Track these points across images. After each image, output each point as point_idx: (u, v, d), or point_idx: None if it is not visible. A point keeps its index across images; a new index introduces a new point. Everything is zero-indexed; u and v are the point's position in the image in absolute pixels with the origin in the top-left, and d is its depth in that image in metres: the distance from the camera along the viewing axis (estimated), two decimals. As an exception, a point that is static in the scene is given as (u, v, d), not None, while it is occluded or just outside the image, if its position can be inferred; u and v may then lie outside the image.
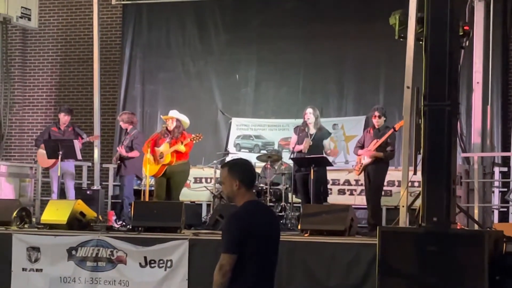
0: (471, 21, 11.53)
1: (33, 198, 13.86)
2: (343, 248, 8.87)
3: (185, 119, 11.37)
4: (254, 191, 5.25)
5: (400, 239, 7.78)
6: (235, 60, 14.87)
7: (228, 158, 12.79)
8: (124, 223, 11.08)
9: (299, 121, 11.58)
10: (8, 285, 9.93)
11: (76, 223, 10.28)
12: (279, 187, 11.99)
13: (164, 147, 11.05)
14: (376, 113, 10.90)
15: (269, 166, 12.17)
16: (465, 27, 8.63)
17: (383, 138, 10.63)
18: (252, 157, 13.15)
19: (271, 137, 14.17)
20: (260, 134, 14.32)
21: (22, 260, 9.94)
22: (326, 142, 11.31)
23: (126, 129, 11.98)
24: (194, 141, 11.04)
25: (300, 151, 11.22)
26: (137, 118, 12.87)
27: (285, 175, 11.91)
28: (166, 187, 11.16)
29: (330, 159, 11.43)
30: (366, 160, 10.75)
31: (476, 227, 9.41)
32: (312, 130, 11.21)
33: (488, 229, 9.56)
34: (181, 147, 10.98)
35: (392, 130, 10.70)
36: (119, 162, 11.74)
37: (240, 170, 5.10)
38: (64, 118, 12.41)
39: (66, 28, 16.15)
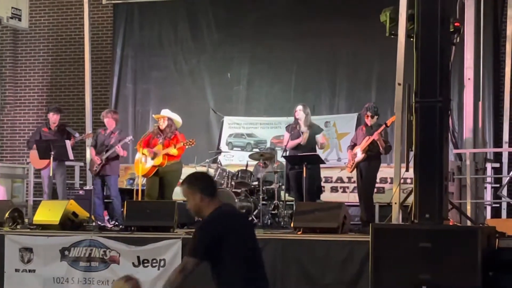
0: (462, 18, 11.51)
1: (25, 199, 13.83)
2: (336, 245, 8.87)
3: (177, 118, 11.35)
4: (218, 197, 5.30)
5: (393, 236, 7.78)
6: (227, 58, 14.86)
7: (220, 157, 12.78)
8: (116, 223, 11.06)
9: (292, 119, 11.58)
10: (1, 286, 9.91)
11: (69, 223, 10.26)
12: (271, 185, 11.97)
13: (157, 149, 11.02)
14: (368, 113, 10.92)
15: (261, 164, 12.17)
16: (455, 24, 8.64)
17: (377, 133, 10.64)
18: (244, 156, 13.16)
19: (263, 136, 14.17)
20: (253, 132, 14.31)
21: (15, 261, 9.92)
22: (318, 137, 11.31)
23: (106, 128, 11.87)
24: (187, 146, 11.02)
25: (294, 148, 11.23)
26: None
27: (278, 173, 11.90)
28: (159, 186, 11.15)
29: (323, 155, 11.42)
30: (358, 157, 10.76)
31: (468, 223, 9.41)
32: (303, 128, 11.21)
33: (480, 225, 9.56)
34: (174, 151, 10.95)
35: (384, 126, 10.72)
36: (104, 163, 11.63)
37: (198, 183, 5.21)
38: (53, 118, 12.33)
39: (57, 28, 16.13)
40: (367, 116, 10.95)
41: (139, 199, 11.23)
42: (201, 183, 5.20)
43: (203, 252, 5.02)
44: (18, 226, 10.47)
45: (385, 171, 11.82)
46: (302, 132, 11.19)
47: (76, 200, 10.92)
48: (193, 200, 5.16)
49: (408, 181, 10.71)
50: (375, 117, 10.94)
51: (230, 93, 14.87)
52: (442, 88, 7.83)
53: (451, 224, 8.30)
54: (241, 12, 14.80)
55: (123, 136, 11.64)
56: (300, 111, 11.26)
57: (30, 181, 13.65)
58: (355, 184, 11.39)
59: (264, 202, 11.73)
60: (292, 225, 9.62)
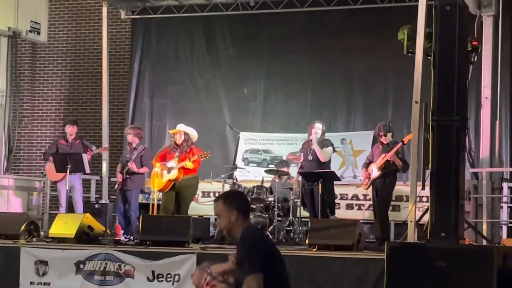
0: (480, 36, 11.52)
1: (41, 212, 13.87)
2: (351, 263, 8.85)
3: (192, 132, 11.37)
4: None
5: (408, 254, 7.76)
6: (243, 73, 14.88)
7: (236, 172, 12.78)
8: (132, 237, 11.07)
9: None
10: (16, 298, 9.95)
11: (84, 236, 10.29)
12: (287, 201, 11.95)
13: (172, 163, 11.04)
14: (381, 133, 10.93)
15: (277, 179, 12.17)
16: (473, 42, 8.63)
17: (392, 152, 10.63)
18: (260, 171, 13.16)
19: (279, 152, 14.15)
20: (268, 148, 14.31)
21: (30, 274, 9.94)
22: (326, 150, 11.24)
23: (131, 143, 11.94)
24: (201, 158, 11.03)
25: (307, 164, 11.22)
26: (143, 133, 12.87)
27: (293, 189, 11.88)
28: (175, 201, 11.16)
29: (339, 172, 11.37)
30: (374, 174, 10.75)
31: (484, 242, 9.39)
32: (316, 146, 11.17)
33: (496, 244, 9.52)
34: (189, 164, 10.95)
35: (400, 143, 10.71)
36: (127, 176, 11.68)
37: (235, 200, 5.13)
38: (69, 130, 12.41)
39: (75, 42, 16.24)
40: (381, 136, 10.97)
41: (155, 213, 11.25)
42: (238, 201, 5.14)
43: (262, 266, 4.90)
44: (33, 239, 10.51)
45: (401, 189, 11.79)
46: (312, 149, 11.19)
47: (92, 214, 10.94)
48: (227, 218, 5.07)
49: (424, 199, 10.69)
50: (389, 134, 10.94)
51: (246, 108, 14.87)
52: (459, 107, 7.83)
53: (466, 243, 8.27)
54: (257, 28, 14.83)
55: (141, 151, 11.70)
56: (319, 130, 11.23)
57: (46, 194, 13.69)
58: (371, 202, 11.37)
59: (279, 218, 11.72)
60: (307, 241, 9.60)
